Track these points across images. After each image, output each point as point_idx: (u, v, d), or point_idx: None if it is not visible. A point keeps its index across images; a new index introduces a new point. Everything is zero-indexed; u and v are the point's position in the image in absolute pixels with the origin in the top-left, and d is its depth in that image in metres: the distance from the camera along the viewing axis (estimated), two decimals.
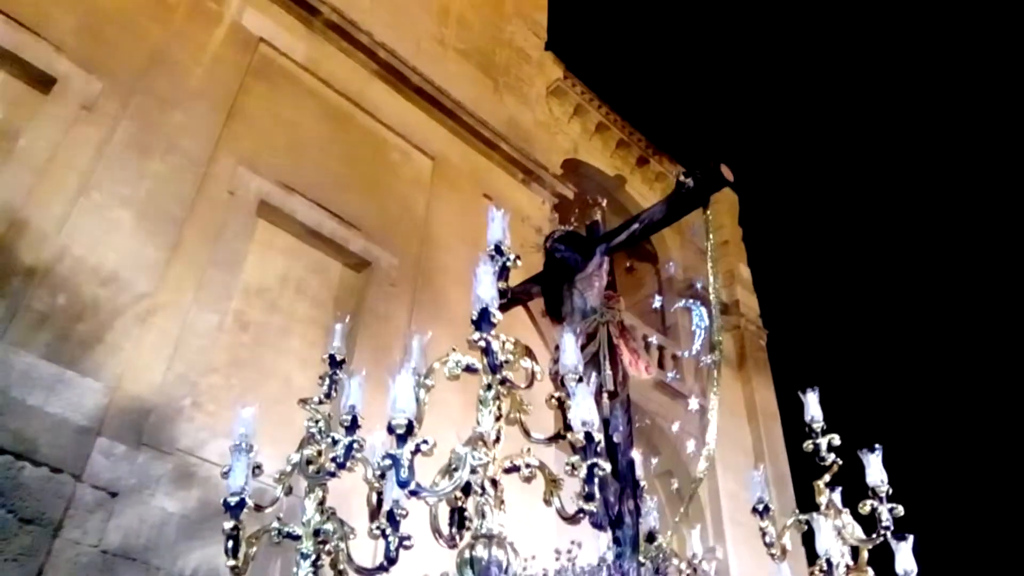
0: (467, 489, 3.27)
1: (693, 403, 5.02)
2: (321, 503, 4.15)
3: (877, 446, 4.47)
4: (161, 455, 5.75)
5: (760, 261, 16.29)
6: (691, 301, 5.26)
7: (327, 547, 4.01)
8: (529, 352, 3.69)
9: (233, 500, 3.90)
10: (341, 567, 3.90)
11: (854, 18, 26.29)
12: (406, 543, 3.16)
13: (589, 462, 3.07)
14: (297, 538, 4.07)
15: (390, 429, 3.03)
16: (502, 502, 3.31)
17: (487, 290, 3.47)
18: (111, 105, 6.80)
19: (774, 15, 25.21)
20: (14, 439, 5.12)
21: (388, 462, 3.02)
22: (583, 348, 4.46)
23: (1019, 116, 22.34)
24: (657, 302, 5.64)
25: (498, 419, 3.46)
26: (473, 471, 3.25)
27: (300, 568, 3.97)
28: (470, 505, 3.31)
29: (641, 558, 4.14)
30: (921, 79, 24.55)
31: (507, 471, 3.38)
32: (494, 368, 3.43)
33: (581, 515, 3.13)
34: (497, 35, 12.08)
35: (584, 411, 3.16)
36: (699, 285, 5.16)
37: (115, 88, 6.89)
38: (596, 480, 3.07)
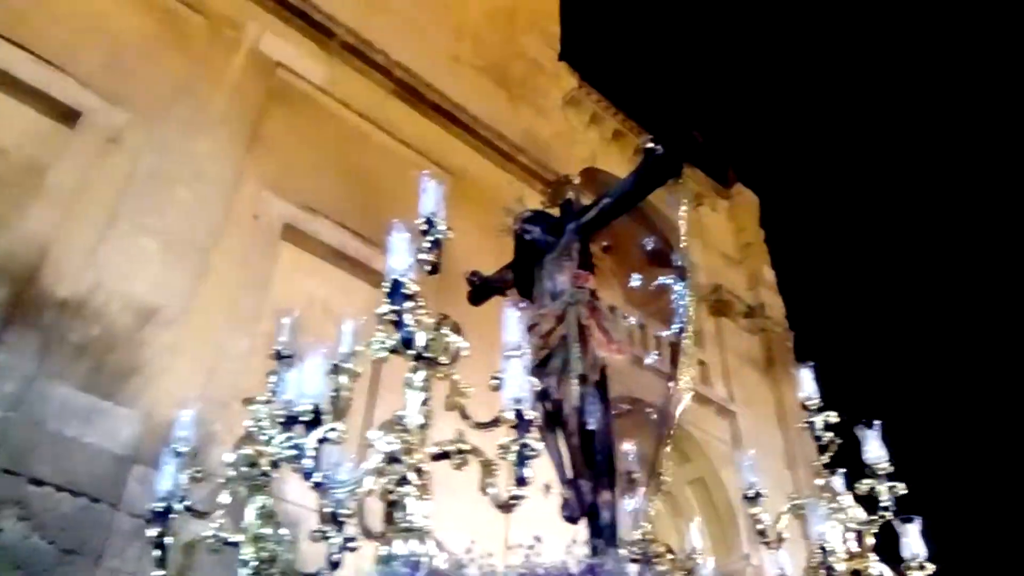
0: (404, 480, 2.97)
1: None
2: (263, 507, 3.80)
3: (876, 422, 4.29)
4: (196, 481, 5.80)
5: (785, 263, 16.18)
6: (670, 279, 4.77)
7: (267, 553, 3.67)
8: (457, 328, 3.40)
9: (159, 506, 3.65)
10: (275, 572, 3.64)
11: (875, 19, 26.11)
12: (350, 545, 2.92)
13: (520, 443, 2.82)
14: (236, 545, 3.75)
15: (293, 418, 2.78)
16: (427, 492, 3.01)
17: (400, 260, 3.25)
18: (136, 136, 6.91)
19: (793, 14, 25.11)
20: (53, 471, 5.19)
21: (293, 452, 2.75)
22: (552, 331, 4.26)
23: None
24: (635, 281, 5.17)
25: (425, 402, 3.18)
26: (395, 459, 2.96)
27: None
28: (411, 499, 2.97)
29: (623, 552, 3.86)
30: (944, 77, 24.35)
31: (436, 458, 3.10)
32: (407, 343, 3.15)
33: (514, 502, 2.87)
34: (511, 48, 12.13)
35: (515, 389, 2.91)
36: (678, 262, 4.73)
37: (139, 119, 7.00)
38: (528, 463, 2.80)
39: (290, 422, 2.79)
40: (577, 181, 5.35)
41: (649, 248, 4.95)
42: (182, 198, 6.90)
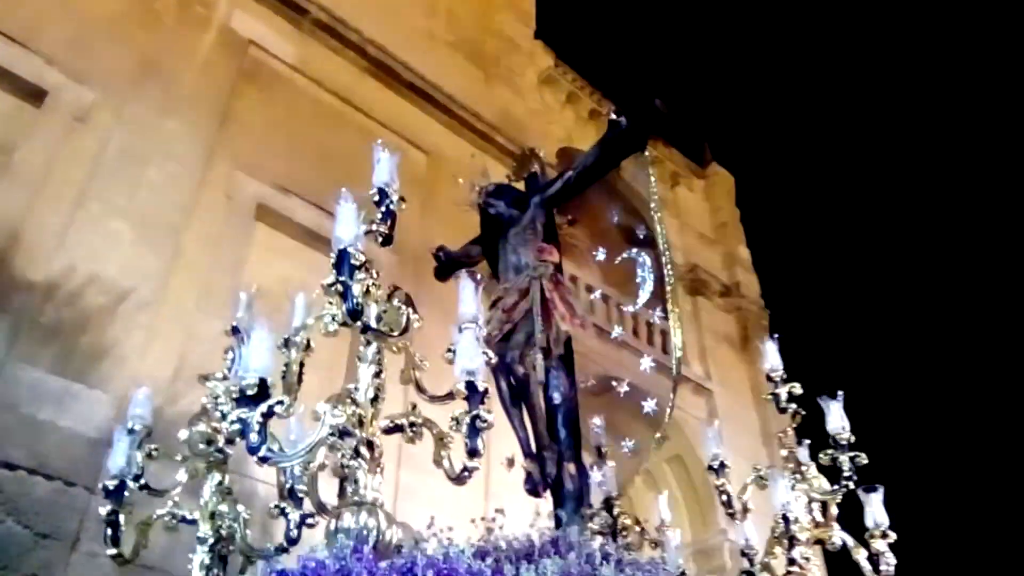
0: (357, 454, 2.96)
1: (646, 362, 4.58)
2: (220, 484, 3.73)
3: (839, 393, 4.29)
4: (172, 463, 5.76)
5: (761, 241, 16.28)
6: (635, 252, 4.71)
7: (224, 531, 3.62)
8: (409, 300, 3.37)
9: (111, 484, 3.57)
10: (234, 549, 3.58)
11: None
12: (309, 521, 2.94)
13: (472, 414, 2.77)
14: (193, 523, 3.69)
15: (241, 391, 2.68)
16: (379, 466, 3.00)
17: (347, 229, 3.18)
18: (104, 115, 6.78)
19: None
20: (27, 455, 5.13)
21: (237, 427, 2.67)
22: (516, 305, 4.23)
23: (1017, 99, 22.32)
24: (601, 255, 5.08)
25: (378, 375, 3.13)
26: (345, 433, 2.92)
27: (196, 553, 3.60)
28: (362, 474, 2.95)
29: (588, 525, 3.87)
30: (920, 57, 24.51)
31: (388, 431, 3.07)
32: (353, 314, 3.07)
33: (467, 474, 2.83)
34: (486, 26, 12.04)
35: (467, 360, 2.87)
36: (642, 235, 4.67)
37: (107, 98, 6.86)
38: (480, 435, 2.76)
39: (242, 398, 2.69)
40: (542, 153, 5.27)
41: (619, 223, 4.90)
42: (152, 178, 6.79)
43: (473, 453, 2.78)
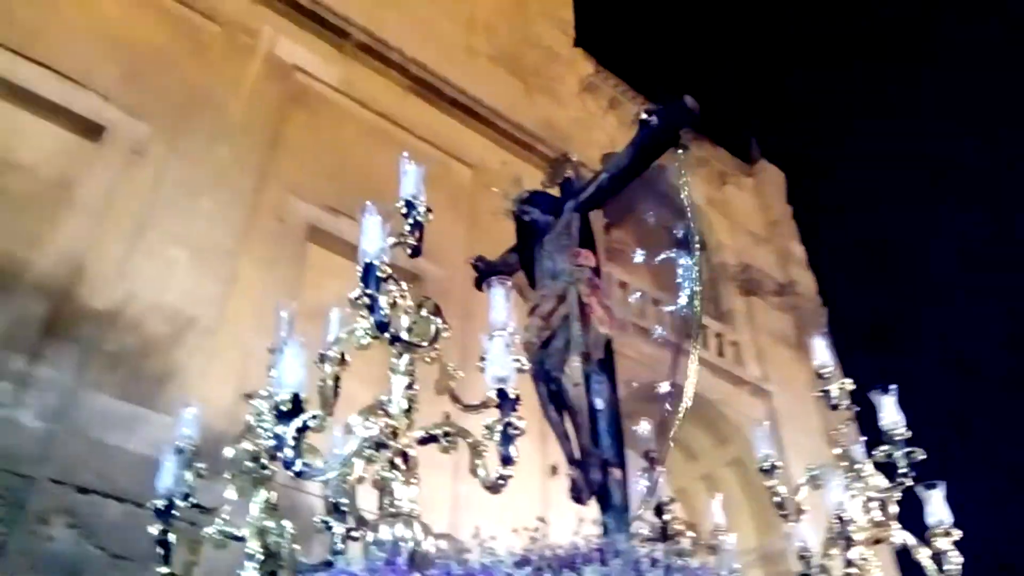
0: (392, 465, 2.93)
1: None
2: (267, 500, 3.70)
3: (892, 387, 4.13)
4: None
5: (815, 238, 15.94)
6: (675, 252, 4.59)
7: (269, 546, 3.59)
8: (437, 310, 3.36)
9: (160, 503, 3.60)
10: (283, 565, 3.58)
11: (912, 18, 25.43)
12: (353, 534, 2.92)
13: (504, 422, 2.75)
14: (241, 539, 3.67)
15: (275, 407, 2.69)
16: (415, 477, 2.96)
17: (373, 243, 3.17)
18: (159, 147, 7.01)
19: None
20: (98, 478, 5.30)
21: (273, 442, 2.67)
22: (553, 311, 4.15)
23: None
24: (639, 256, 4.97)
25: (410, 386, 3.11)
26: (381, 445, 2.91)
27: (245, 570, 3.58)
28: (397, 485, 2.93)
29: (636, 531, 3.80)
30: (977, 40, 23.82)
31: (423, 442, 3.04)
32: (381, 326, 3.08)
33: (502, 483, 2.79)
34: (525, 37, 12.09)
35: (498, 368, 2.86)
36: (680, 233, 4.54)
37: (162, 130, 7.09)
38: (512, 442, 2.74)
39: (279, 414, 2.71)
40: (575, 158, 5.24)
41: (661, 223, 4.81)
42: (207, 206, 6.98)
43: (506, 461, 2.75)
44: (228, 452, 3.79)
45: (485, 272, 5.00)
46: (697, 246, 4.29)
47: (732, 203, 15.38)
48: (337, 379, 3.38)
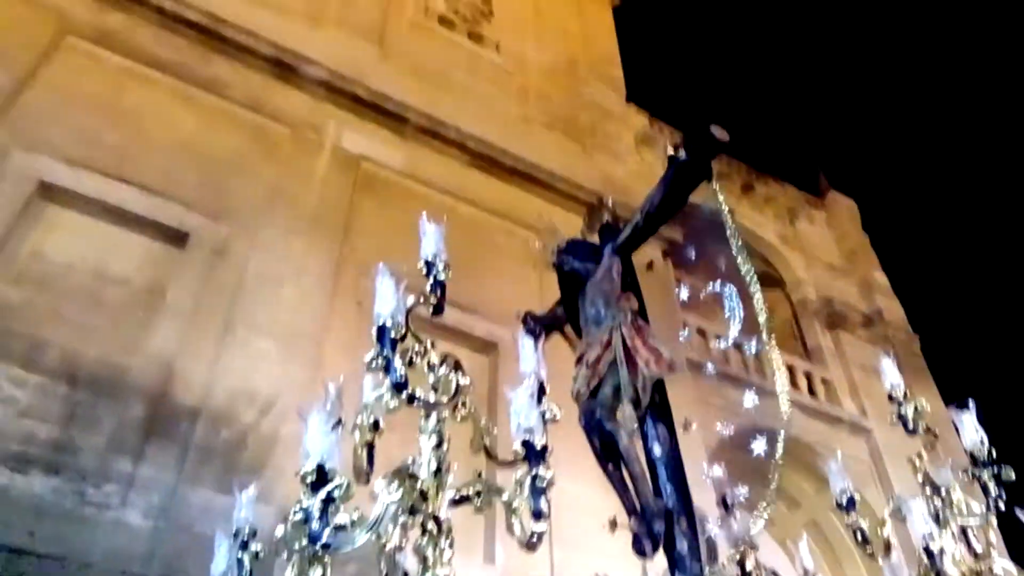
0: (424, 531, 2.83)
1: (748, 399, 4.31)
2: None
3: (971, 401, 3.88)
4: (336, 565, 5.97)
5: (897, 264, 15.46)
6: (719, 287, 4.47)
7: None
8: (458, 365, 3.31)
9: None
10: None
11: (969, 22, 25.05)
12: None
13: (531, 475, 2.66)
14: None
15: (302, 479, 2.65)
16: (448, 539, 2.84)
17: (387, 304, 3.22)
18: (240, 245, 7.37)
19: (861, 15, 24.47)
20: (204, 571, 5.43)
21: (300, 516, 2.64)
22: (600, 359, 4.09)
23: None
24: (684, 294, 4.89)
25: (438, 446, 3.04)
26: (414, 510, 2.81)
27: None
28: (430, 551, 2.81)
29: None
30: None
31: (456, 503, 2.95)
32: (398, 387, 3.07)
33: (535, 540, 2.67)
34: (577, 99, 12.33)
35: (522, 417, 2.79)
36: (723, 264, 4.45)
37: (241, 228, 7.47)
38: (544, 495, 2.64)
39: (308, 486, 2.66)
40: (610, 202, 5.25)
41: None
42: (289, 296, 7.27)
43: (537, 515, 2.65)
44: (279, 530, 3.82)
45: (534, 327, 5.02)
46: (751, 275, 4.23)
47: (806, 238, 15.09)
48: (371, 446, 3.30)
